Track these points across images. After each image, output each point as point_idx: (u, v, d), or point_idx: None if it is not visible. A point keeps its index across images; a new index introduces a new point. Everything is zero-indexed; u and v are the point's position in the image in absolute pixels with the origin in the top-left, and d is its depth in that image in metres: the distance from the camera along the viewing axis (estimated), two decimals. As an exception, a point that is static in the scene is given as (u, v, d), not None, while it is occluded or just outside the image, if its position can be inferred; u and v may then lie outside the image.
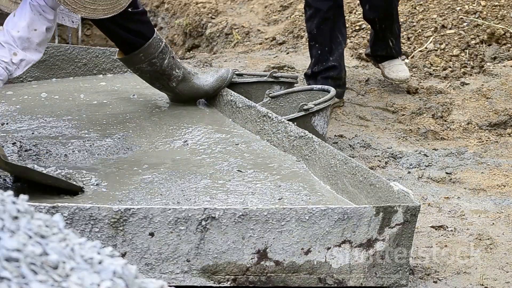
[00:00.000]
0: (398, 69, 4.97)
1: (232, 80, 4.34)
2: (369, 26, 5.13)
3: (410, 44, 5.53)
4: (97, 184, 3.48)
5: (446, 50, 5.39)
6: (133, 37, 4.07)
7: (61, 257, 1.43)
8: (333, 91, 4.26)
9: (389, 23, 4.87)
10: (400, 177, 4.11)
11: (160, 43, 4.14)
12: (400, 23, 5.15)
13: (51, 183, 3.42)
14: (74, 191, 3.41)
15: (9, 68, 3.51)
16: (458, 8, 5.59)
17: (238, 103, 4.13)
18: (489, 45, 5.46)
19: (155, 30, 4.20)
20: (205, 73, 4.37)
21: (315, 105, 4.12)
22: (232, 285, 2.88)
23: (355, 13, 5.92)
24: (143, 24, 4.12)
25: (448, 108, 4.81)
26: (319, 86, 4.40)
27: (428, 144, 4.55)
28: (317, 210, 2.88)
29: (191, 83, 4.25)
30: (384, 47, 4.95)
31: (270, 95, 4.34)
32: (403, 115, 4.86)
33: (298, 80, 4.73)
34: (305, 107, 4.11)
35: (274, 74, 4.54)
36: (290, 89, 4.45)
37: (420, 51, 5.44)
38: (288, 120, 3.96)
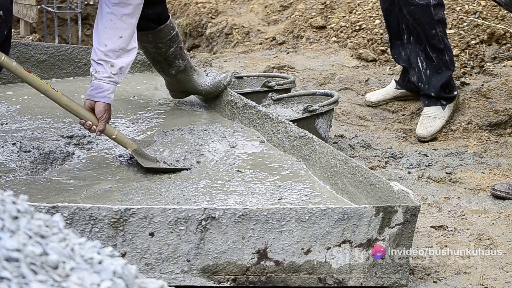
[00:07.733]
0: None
1: (229, 86, 4.34)
2: (369, 26, 5.12)
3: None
4: (96, 184, 3.49)
5: (446, 50, 5.39)
6: (145, 22, 4.05)
7: (61, 257, 1.43)
8: (336, 95, 4.26)
9: None
10: (400, 177, 4.11)
11: (171, 31, 4.14)
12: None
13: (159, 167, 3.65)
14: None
15: (112, 80, 3.53)
16: (458, 8, 5.59)
17: (238, 103, 4.13)
18: (489, 45, 5.46)
19: (169, 17, 4.18)
20: (208, 74, 4.36)
21: (321, 106, 4.12)
22: (232, 285, 2.87)
23: (355, 13, 5.92)
24: (160, 6, 4.09)
25: (448, 108, 4.81)
26: (322, 91, 4.39)
27: (428, 144, 4.55)
28: (317, 210, 2.88)
29: (189, 77, 4.27)
30: None
31: (272, 98, 4.33)
32: (403, 115, 4.86)
33: (295, 83, 4.71)
34: (311, 108, 4.11)
35: (268, 84, 4.51)
36: (293, 93, 4.44)
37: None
38: (292, 121, 3.95)
